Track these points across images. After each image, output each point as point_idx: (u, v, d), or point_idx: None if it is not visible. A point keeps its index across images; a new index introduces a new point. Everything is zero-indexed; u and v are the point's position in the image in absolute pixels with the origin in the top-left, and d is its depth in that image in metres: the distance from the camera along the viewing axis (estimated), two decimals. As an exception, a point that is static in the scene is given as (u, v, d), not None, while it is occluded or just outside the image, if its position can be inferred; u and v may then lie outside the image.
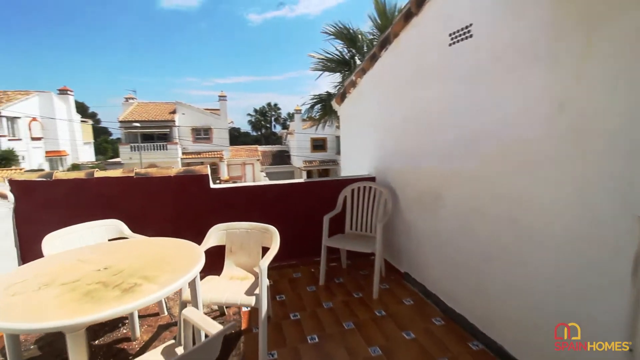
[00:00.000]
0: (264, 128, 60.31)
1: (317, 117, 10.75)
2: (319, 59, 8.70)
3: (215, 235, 2.71)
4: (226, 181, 26.87)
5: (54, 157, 26.84)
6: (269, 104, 59.77)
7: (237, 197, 3.60)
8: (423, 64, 2.99)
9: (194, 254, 1.98)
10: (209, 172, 3.41)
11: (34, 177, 2.99)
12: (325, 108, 10.23)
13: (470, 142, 2.43)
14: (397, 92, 3.50)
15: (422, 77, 3.01)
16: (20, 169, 19.86)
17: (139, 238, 2.65)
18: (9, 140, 22.22)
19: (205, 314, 2.10)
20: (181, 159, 26.85)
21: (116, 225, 2.89)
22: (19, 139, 23.36)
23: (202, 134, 28.54)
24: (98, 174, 3.12)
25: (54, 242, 2.52)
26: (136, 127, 19.54)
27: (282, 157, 34.20)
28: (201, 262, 1.85)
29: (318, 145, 31.41)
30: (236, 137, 56.89)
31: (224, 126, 28.65)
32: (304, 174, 31.25)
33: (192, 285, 2.00)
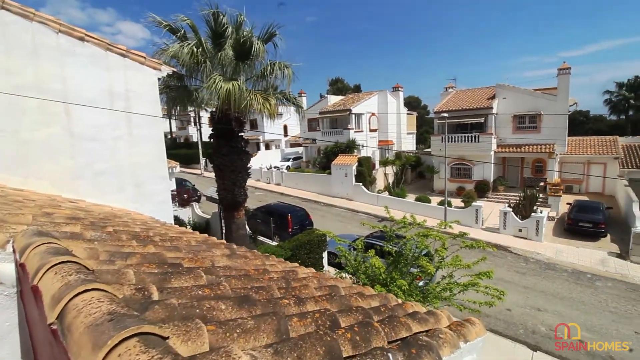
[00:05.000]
0: (633, 109, 40.20)
1: None
2: None
3: None
4: (555, 185, 19.71)
5: (383, 146, 31.64)
6: (649, 72, 38.81)
7: None
8: None
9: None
10: None
11: (22, 243, 1.48)
12: None
13: None
14: None
15: None
16: (355, 155, 24.58)
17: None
18: (355, 132, 28.19)
19: None
20: (494, 152, 22.70)
21: None
22: (361, 131, 29.19)
23: (526, 121, 22.57)
24: (40, 281, 1.15)
25: None
26: (444, 118, 17.97)
27: (671, 156, 20.64)
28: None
29: None
30: (580, 124, 42.43)
31: (561, 110, 20.98)
32: None
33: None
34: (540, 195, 19.83)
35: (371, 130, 30.31)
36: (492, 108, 22.61)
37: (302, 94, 37.38)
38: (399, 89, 32.38)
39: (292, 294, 1.54)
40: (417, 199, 20.97)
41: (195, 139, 39.66)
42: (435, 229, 7.24)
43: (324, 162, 27.51)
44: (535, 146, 21.77)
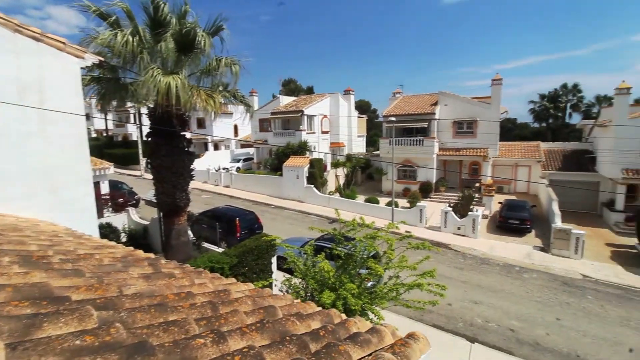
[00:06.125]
0: (552, 118, 45.89)
1: None
2: None
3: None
4: (488, 186, 21.52)
5: (335, 147, 32.02)
6: (563, 86, 44.55)
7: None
8: None
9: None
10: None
11: None
12: None
13: None
14: None
15: None
16: (307, 157, 24.51)
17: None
18: (307, 133, 28.11)
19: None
20: (436, 155, 24.16)
21: None
22: (313, 132, 29.23)
23: (464, 127, 24.36)
24: None
25: None
26: (392, 122, 18.63)
27: (580, 161, 23.66)
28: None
29: (660, 144, 18.72)
30: (509, 130, 47.11)
31: (494, 117, 22.99)
32: (621, 190, 19.81)
33: None
34: (476, 195, 21.51)
35: (323, 132, 30.51)
36: (434, 114, 24.03)
37: (254, 94, 36.46)
38: (351, 92, 33.05)
39: (214, 326, 1.29)
40: (366, 200, 21.48)
41: (135, 138, 36.57)
42: (384, 229, 7.34)
43: (275, 164, 27.01)
44: (472, 150, 23.57)
